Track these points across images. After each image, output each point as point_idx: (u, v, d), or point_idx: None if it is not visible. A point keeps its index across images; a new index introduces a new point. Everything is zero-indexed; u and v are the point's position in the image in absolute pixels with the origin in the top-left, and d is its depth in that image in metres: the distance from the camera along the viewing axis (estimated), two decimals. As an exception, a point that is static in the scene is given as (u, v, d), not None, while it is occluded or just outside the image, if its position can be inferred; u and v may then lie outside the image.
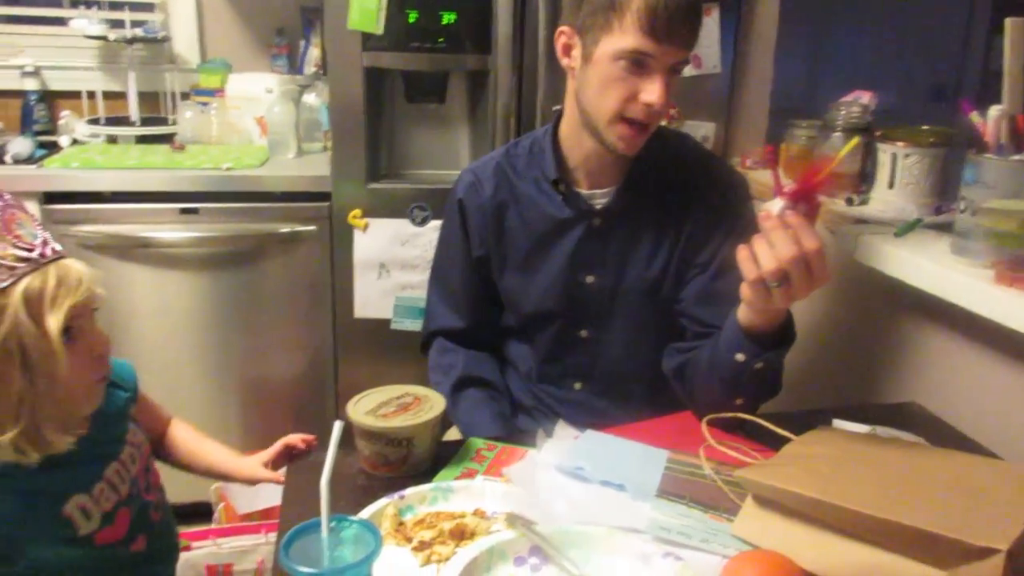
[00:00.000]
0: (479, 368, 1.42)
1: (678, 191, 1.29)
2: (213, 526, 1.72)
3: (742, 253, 1.02)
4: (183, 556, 1.61)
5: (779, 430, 1.08)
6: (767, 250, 0.99)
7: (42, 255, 0.95)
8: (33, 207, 1.97)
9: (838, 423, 1.18)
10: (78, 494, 1.04)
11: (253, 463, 1.25)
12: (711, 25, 2.05)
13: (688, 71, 1.97)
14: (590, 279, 1.31)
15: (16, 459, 0.96)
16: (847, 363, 1.69)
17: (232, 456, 1.30)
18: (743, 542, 0.90)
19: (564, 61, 1.23)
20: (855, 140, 1.10)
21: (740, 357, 1.12)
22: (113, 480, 1.09)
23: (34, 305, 0.92)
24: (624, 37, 1.11)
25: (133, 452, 1.14)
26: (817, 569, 0.83)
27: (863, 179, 1.67)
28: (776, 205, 1.00)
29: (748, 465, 1.01)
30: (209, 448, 1.30)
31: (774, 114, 2.23)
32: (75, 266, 0.99)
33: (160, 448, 1.28)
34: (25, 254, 0.93)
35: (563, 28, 1.21)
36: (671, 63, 1.13)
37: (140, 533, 1.13)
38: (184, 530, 1.65)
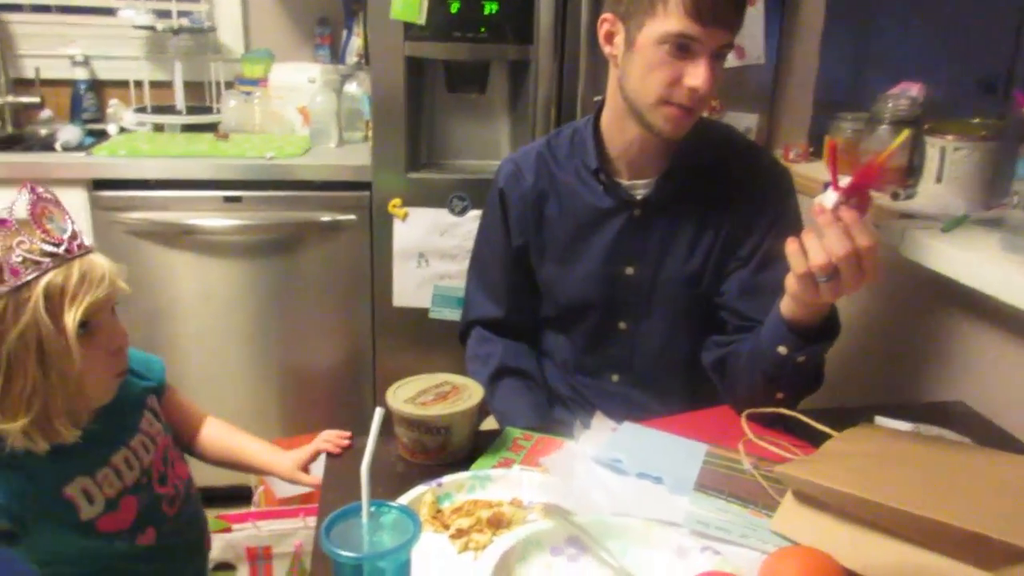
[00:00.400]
0: (517, 358, 1.42)
1: (720, 182, 1.27)
2: (253, 509, 1.75)
3: (791, 246, 1.01)
4: (224, 537, 1.65)
5: (820, 426, 1.07)
6: (818, 244, 0.98)
7: (68, 250, 0.97)
8: (82, 194, 2.02)
9: (880, 420, 1.17)
10: (81, 476, 1.05)
11: (291, 464, 1.24)
12: (756, 15, 2.02)
13: (731, 62, 1.94)
14: (629, 270, 1.31)
15: (25, 446, 0.98)
16: (891, 359, 1.66)
17: (269, 453, 1.28)
18: (782, 538, 0.89)
19: (606, 49, 1.22)
20: (906, 132, 1.08)
21: (782, 350, 1.11)
22: (119, 467, 1.09)
23: (54, 301, 0.94)
24: (668, 20, 1.10)
25: (146, 442, 1.13)
26: (858, 567, 0.82)
27: (910, 173, 1.64)
28: (829, 199, 0.98)
29: (788, 461, 1.00)
30: (245, 445, 1.30)
31: (818, 106, 2.20)
32: (100, 262, 1.01)
33: (193, 446, 1.29)
34: (52, 248, 0.95)
35: (606, 15, 1.20)
36: (716, 47, 1.12)
37: (149, 525, 1.12)
38: (224, 512, 1.69)
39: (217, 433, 1.30)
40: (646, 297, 1.32)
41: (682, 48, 1.11)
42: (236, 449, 1.29)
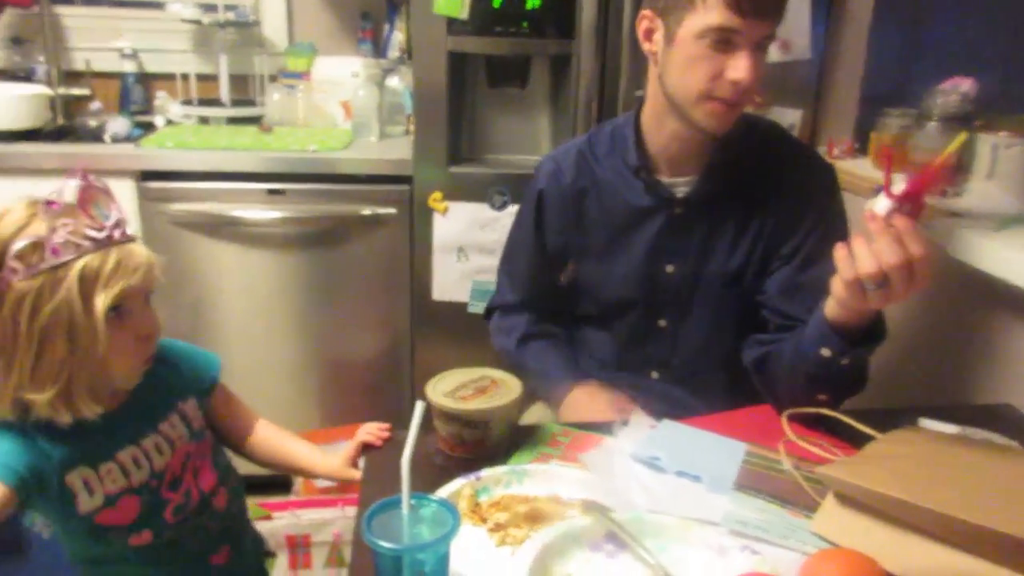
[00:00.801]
0: (540, 325, 1.46)
1: (763, 180, 1.26)
2: (292, 498, 1.78)
3: (840, 251, 0.99)
4: (265, 525, 1.67)
5: (862, 427, 1.05)
6: (868, 251, 0.95)
7: (109, 237, 1.00)
8: (130, 185, 2.06)
9: (925, 422, 1.14)
10: (83, 466, 1.05)
11: (340, 464, 1.23)
12: (802, 8, 1.99)
13: (776, 56, 1.92)
14: (670, 268, 1.30)
15: (49, 416, 1.01)
16: (936, 360, 1.63)
17: (318, 454, 1.29)
18: (822, 539, 0.88)
19: (646, 46, 1.22)
20: (963, 136, 1.05)
21: (825, 352, 1.09)
22: (126, 464, 1.09)
23: (88, 283, 0.97)
24: (708, 14, 1.09)
25: (161, 444, 1.12)
26: (900, 571, 0.81)
27: (959, 170, 1.60)
28: (882, 205, 0.96)
29: (829, 462, 0.99)
30: (295, 447, 1.30)
31: (864, 101, 2.16)
32: (138, 251, 1.03)
33: (243, 446, 1.29)
34: (93, 233, 0.98)
35: (644, 12, 1.20)
36: (757, 38, 1.11)
37: (146, 527, 1.11)
38: (265, 500, 1.72)
39: (267, 436, 1.30)
40: (687, 295, 1.31)
41: (723, 41, 1.10)
42: (287, 453, 1.29)
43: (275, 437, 1.31)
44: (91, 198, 1.00)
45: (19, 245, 0.95)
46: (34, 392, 0.99)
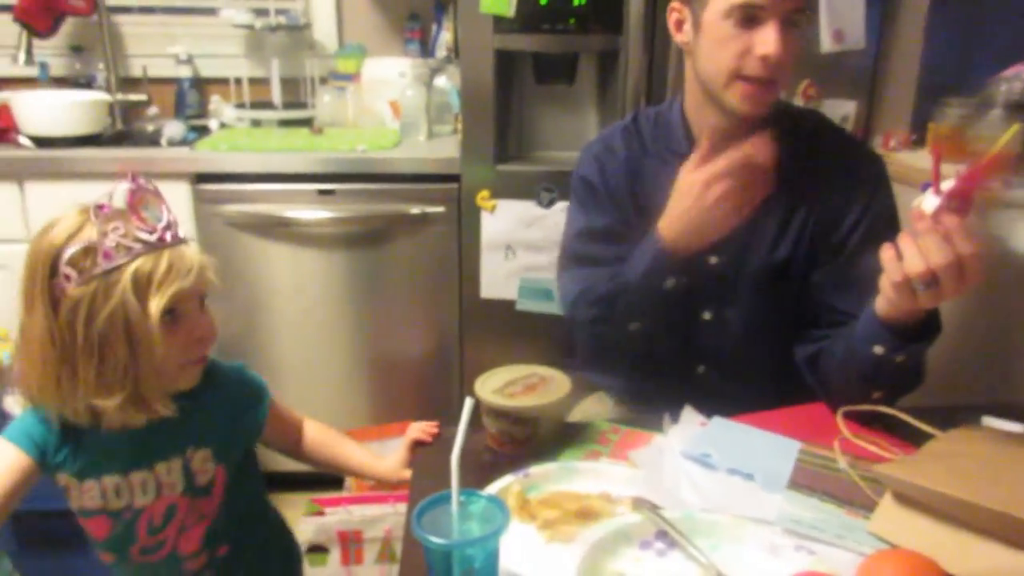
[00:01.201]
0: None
1: (810, 171, 1.23)
2: (344, 494, 1.80)
3: (887, 252, 0.96)
4: (317, 521, 1.70)
5: (921, 425, 1.03)
6: (916, 251, 0.93)
7: (161, 239, 1.00)
8: (185, 187, 2.11)
9: (988, 420, 1.11)
10: (70, 474, 1.07)
11: (395, 466, 1.24)
12: (856, -3, 1.94)
13: (829, 46, 1.88)
14: (713, 259, 1.28)
15: (123, 421, 1.02)
16: (999, 356, 1.58)
17: (372, 458, 1.29)
18: (880, 540, 0.86)
19: (678, 38, 1.21)
20: (1017, 127, 1.01)
21: (879, 350, 1.07)
22: (107, 490, 1.07)
23: (142, 286, 0.97)
24: None
25: (148, 484, 1.08)
26: (961, 573, 0.79)
27: (1017, 160, 1.55)
28: (930, 203, 0.93)
29: (885, 461, 0.97)
30: (350, 450, 1.30)
31: (921, 91, 2.10)
32: (189, 253, 1.02)
33: (300, 451, 1.29)
34: (144, 236, 0.98)
35: (673, 4, 1.20)
36: (784, 12, 1.09)
37: (112, 552, 1.12)
38: (318, 496, 1.74)
39: (320, 439, 1.30)
40: (730, 287, 1.28)
41: (749, 18, 1.09)
42: (339, 456, 1.30)
43: (327, 441, 1.31)
44: (141, 201, 1.00)
45: (71, 251, 0.95)
46: (102, 398, 0.99)
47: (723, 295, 1.30)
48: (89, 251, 0.96)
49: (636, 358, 1.41)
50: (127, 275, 0.96)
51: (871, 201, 1.22)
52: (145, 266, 0.97)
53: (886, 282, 0.99)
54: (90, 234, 0.96)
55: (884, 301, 1.04)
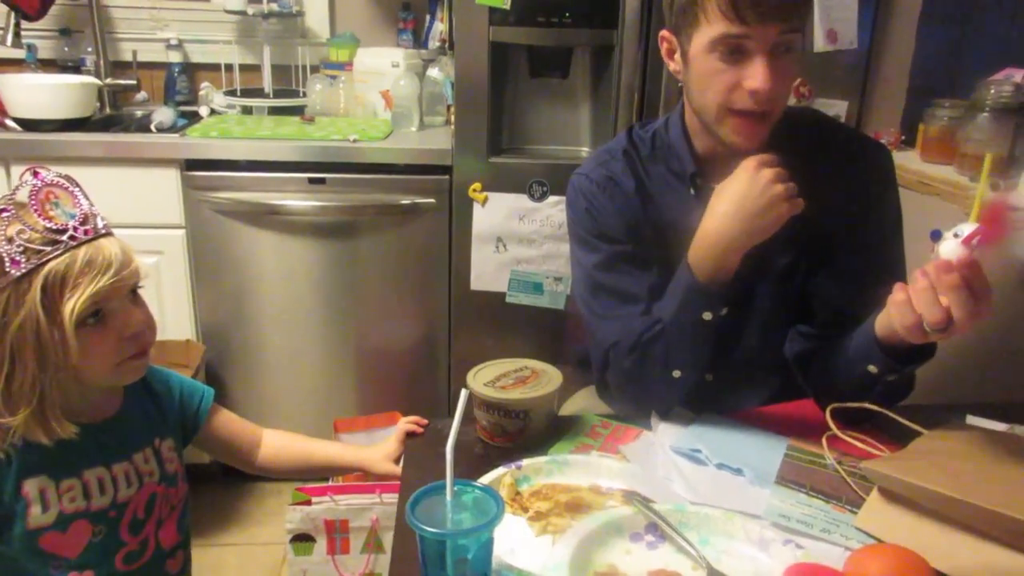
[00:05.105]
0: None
1: (813, 172, 1.22)
2: (330, 483, 1.80)
3: (898, 295, 0.94)
4: (304, 510, 1.69)
5: (908, 423, 1.04)
6: (933, 300, 0.90)
7: (73, 236, 0.92)
8: (175, 174, 2.09)
9: (973, 419, 1.13)
10: (44, 475, 0.99)
11: (381, 457, 1.21)
12: (850, -2, 1.95)
13: (822, 47, 1.89)
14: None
15: (26, 437, 0.95)
16: (986, 357, 1.60)
17: (352, 452, 1.25)
18: (867, 535, 0.87)
19: (670, 66, 1.17)
20: (989, 158, 1.00)
21: (872, 369, 1.07)
22: (90, 485, 1.02)
23: (54, 290, 0.90)
24: (711, 27, 1.04)
25: (131, 474, 1.05)
26: (946, 568, 0.80)
27: (1011, 163, 1.57)
28: (954, 252, 0.91)
29: (873, 457, 0.98)
30: (319, 444, 1.26)
31: (912, 92, 2.12)
32: (108, 246, 0.95)
33: (254, 463, 1.23)
34: (54, 236, 0.91)
35: (663, 32, 1.15)
36: (771, 42, 1.03)
37: (91, 568, 1.03)
38: (304, 485, 1.74)
39: (282, 445, 1.25)
40: (738, 297, 1.26)
41: (734, 51, 1.04)
42: (312, 456, 1.26)
43: (292, 441, 1.26)
44: (48, 197, 0.92)
45: None
46: (9, 414, 0.92)
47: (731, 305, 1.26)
48: None
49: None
50: (37, 281, 0.89)
51: (876, 197, 1.20)
52: (58, 268, 0.90)
53: (896, 319, 0.96)
54: None
55: (886, 327, 1.03)
